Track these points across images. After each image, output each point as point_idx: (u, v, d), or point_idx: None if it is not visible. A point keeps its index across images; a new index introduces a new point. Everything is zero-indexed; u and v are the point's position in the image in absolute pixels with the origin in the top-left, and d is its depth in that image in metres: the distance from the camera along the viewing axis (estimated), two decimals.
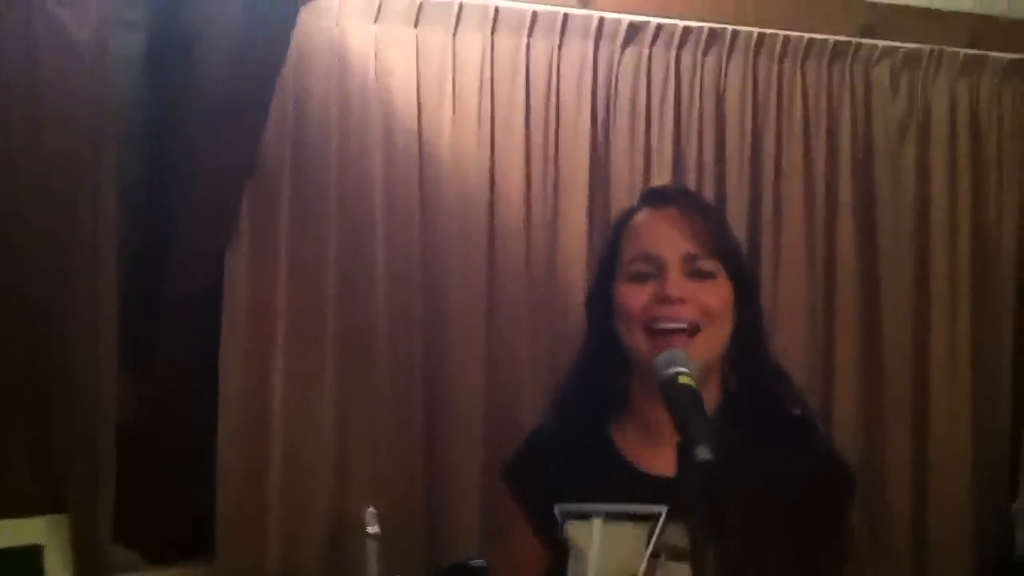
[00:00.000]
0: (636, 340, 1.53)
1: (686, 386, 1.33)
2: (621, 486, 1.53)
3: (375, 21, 2.44)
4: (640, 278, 1.53)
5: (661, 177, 2.67)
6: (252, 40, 1.97)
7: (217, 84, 2.03)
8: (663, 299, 1.50)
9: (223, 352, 2.36)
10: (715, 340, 1.54)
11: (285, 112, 2.35)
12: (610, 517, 1.49)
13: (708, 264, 1.53)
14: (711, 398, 1.51)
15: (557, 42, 2.59)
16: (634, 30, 2.66)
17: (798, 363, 2.79)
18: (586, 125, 2.62)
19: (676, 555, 1.45)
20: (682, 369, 1.35)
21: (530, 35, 2.57)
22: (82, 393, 2.21)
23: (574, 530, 1.52)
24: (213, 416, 2.36)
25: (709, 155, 2.76)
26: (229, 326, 2.36)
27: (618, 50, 2.65)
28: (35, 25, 2.11)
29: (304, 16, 2.32)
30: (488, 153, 2.56)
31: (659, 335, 1.50)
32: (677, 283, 1.51)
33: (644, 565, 1.45)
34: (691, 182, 2.70)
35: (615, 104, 2.67)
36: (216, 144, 2.12)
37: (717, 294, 1.53)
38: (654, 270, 1.52)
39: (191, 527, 2.44)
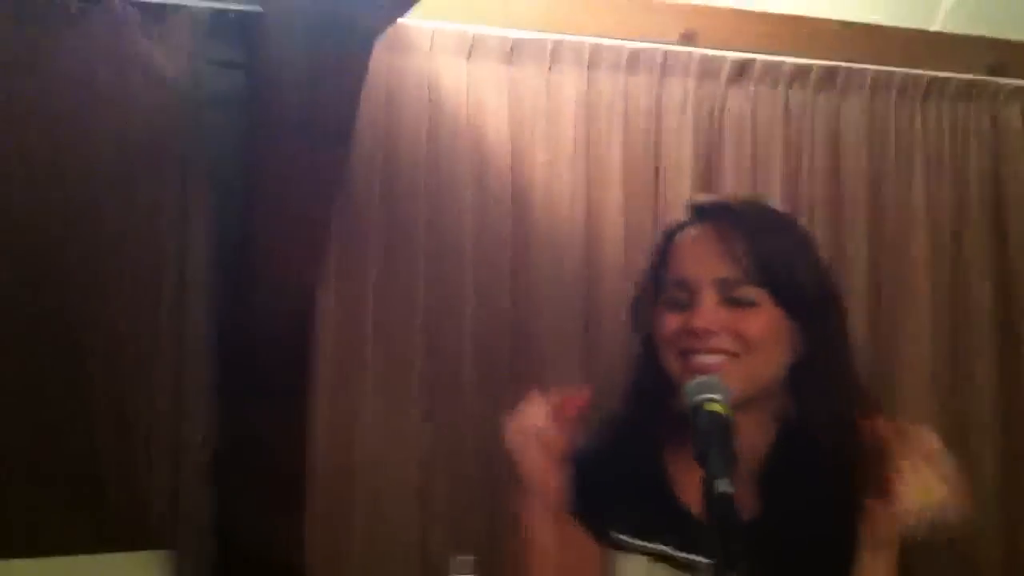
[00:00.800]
0: (671, 365, 1.45)
1: (712, 413, 1.26)
2: (669, 524, 1.45)
3: (468, 58, 2.40)
4: (675, 305, 1.45)
5: None
6: (326, 73, 1.94)
7: (293, 119, 2.02)
8: (691, 331, 1.41)
9: (312, 393, 2.32)
10: (757, 369, 1.42)
11: (375, 148, 2.33)
12: (657, 558, 1.44)
13: (747, 291, 1.42)
14: (764, 433, 1.45)
15: (657, 80, 2.51)
16: (739, 67, 2.56)
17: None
18: (688, 165, 2.52)
19: None
20: (712, 396, 1.27)
21: (628, 73, 2.49)
22: (179, 430, 2.25)
23: (621, 563, 1.47)
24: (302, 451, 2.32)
25: (822, 200, 2.62)
26: (318, 365, 2.32)
27: (722, 88, 2.55)
28: (126, 61, 2.16)
29: (396, 51, 2.32)
30: (584, 194, 2.47)
31: (692, 362, 1.42)
32: (708, 313, 1.41)
33: None
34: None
35: (720, 144, 2.56)
36: (298, 176, 2.10)
37: (757, 324, 1.42)
38: (687, 298, 1.44)
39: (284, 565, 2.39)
